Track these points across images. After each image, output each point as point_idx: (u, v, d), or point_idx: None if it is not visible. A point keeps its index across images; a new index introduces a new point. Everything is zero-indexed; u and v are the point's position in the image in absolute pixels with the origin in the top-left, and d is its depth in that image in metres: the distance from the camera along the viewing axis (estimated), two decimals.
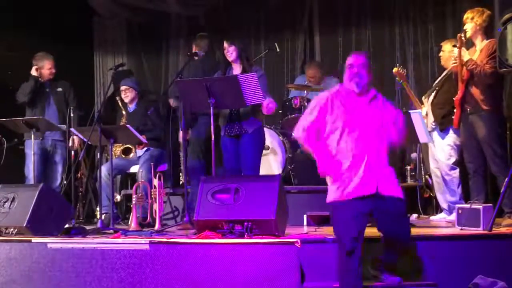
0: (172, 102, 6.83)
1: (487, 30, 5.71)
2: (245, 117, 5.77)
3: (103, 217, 5.91)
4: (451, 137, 6.15)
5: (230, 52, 5.89)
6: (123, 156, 6.85)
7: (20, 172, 7.17)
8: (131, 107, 7.08)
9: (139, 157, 6.88)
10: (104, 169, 6.44)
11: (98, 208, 6.36)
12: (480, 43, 5.71)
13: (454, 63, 5.75)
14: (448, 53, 6.21)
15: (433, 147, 6.36)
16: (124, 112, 7.09)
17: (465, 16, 5.78)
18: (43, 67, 7.14)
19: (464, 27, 5.72)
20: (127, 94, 7.02)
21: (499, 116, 5.69)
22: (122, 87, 7.07)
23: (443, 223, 6.06)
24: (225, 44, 5.92)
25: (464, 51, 5.66)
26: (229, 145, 5.88)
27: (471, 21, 5.70)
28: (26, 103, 7.07)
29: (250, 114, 5.78)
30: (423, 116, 6.41)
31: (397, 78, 6.76)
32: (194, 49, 6.98)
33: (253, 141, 5.79)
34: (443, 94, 6.18)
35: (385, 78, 8.37)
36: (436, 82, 6.45)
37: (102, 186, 6.16)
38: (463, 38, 5.64)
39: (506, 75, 5.90)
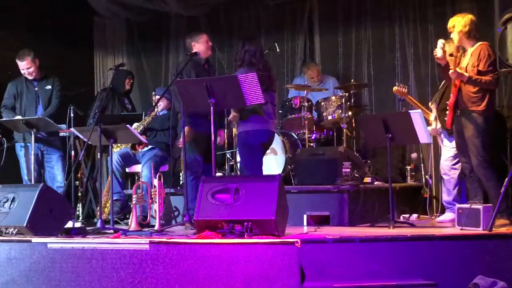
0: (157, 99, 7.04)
1: (473, 34, 5.68)
2: None
3: (115, 204, 6.18)
4: None
5: None
6: (132, 150, 6.91)
7: (20, 172, 7.18)
8: (163, 112, 7.23)
9: (143, 154, 6.93)
10: (116, 155, 6.62)
11: (98, 208, 6.38)
12: (470, 48, 5.70)
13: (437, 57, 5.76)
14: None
15: (443, 149, 6.40)
16: (156, 109, 7.13)
17: (448, 25, 5.77)
18: (20, 68, 7.11)
19: (451, 37, 5.72)
20: (160, 103, 7.05)
21: (488, 117, 5.66)
22: (157, 97, 7.13)
23: (448, 224, 6.03)
24: None
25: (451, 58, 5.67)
26: None
27: (453, 29, 5.70)
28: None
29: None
30: (431, 120, 6.45)
31: (398, 96, 6.79)
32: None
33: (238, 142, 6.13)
34: (446, 99, 6.18)
35: (385, 78, 8.40)
36: (440, 87, 6.48)
37: (113, 171, 6.36)
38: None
39: (506, 75, 5.91)
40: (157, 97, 7.20)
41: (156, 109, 7.07)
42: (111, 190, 6.35)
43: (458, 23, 5.67)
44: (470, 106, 5.63)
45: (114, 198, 6.26)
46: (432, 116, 6.51)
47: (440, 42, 5.71)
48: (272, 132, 6.09)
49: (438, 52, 5.69)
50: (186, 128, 6.06)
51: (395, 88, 6.76)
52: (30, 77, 7.11)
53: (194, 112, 6.02)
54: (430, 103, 6.71)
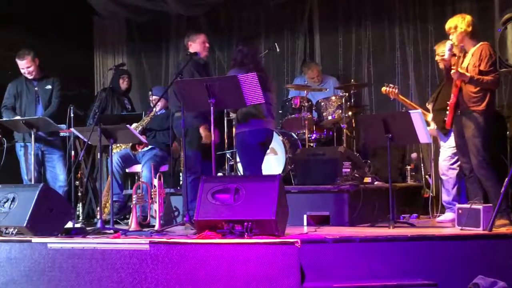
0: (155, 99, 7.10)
1: (474, 34, 5.68)
2: None
3: (114, 205, 6.21)
4: (453, 140, 6.16)
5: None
6: (132, 150, 6.91)
7: (20, 172, 7.18)
8: (160, 111, 7.20)
9: (143, 154, 6.93)
10: (116, 157, 6.65)
11: (98, 208, 6.38)
12: (471, 48, 5.69)
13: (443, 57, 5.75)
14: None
15: (440, 149, 6.41)
16: (154, 110, 7.14)
17: (448, 26, 5.72)
18: (19, 68, 7.10)
19: (450, 38, 5.70)
20: (158, 104, 7.06)
21: (488, 117, 5.65)
22: (154, 97, 7.13)
23: (448, 224, 6.03)
24: None
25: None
26: None
27: (456, 30, 5.68)
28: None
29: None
30: (429, 121, 6.45)
31: (390, 97, 6.76)
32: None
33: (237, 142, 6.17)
34: (442, 99, 6.18)
35: (385, 78, 8.40)
36: (436, 88, 6.48)
37: (113, 172, 6.37)
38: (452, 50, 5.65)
39: (506, 75, 5.91)
40: (154, 97, 7.22)
41: (154, 109, 7.08)
42: (111, 191, 6.35)
43: (461, 23, 5.65)
44: (470, 106, 5.63)
45: (113, 200, 6.27)
46: (430, 116, 6.50)
47: (449, 43, 5.67)
48: (270, 130, 6.15)
49: (446, 54, 5.66)
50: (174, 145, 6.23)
51: (383, 88, 6.63)
52: (30, 76, 7.10)
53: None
54: (427, 104, 6.70)
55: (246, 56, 6.01)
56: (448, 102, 5.79)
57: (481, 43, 5.67)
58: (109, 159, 6.52)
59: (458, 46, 5.72)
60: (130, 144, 6.90)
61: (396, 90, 6.63)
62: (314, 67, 8.36)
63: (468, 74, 5.56)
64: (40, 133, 6.85)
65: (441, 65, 6.41)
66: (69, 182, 7.13)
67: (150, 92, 7.55)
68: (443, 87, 6.22)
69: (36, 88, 7.15)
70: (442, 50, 6.21)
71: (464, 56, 5.73)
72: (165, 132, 7.01)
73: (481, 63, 5.59)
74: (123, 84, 8.04)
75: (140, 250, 4.67)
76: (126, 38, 9.85)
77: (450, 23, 5.73)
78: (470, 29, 5.65)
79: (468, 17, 5.70)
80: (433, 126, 6.47)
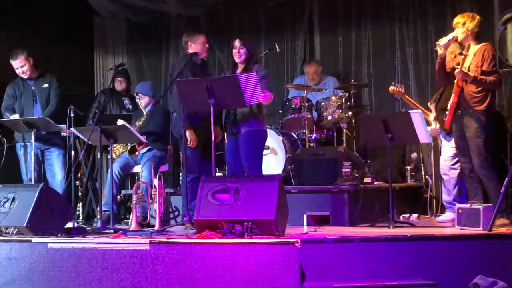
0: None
1: (478, 36, 5.68)
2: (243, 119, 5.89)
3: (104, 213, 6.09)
4: None
5: (241, 53, 5.91)
6: (130, 155, 6.88)
7: (20, 172, 7.17)
8: (147, 109, 7.12)
9: (142, 156, 6.91)
10: (116, 168, 6.60)
11: (98, 208, 6.37)
12: (473, 47, 5.69)
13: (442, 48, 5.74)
14: (448, 55, 6.19)
15: (442, 149, 6.41)
16: (144, 112, 7.10)
17: (456, 20, 5.72)
18: (14, 67, 7.08)
19: (455, 32, 5.69)
20: (141, 100, 7.04)
21: (489, 117, 5.66)
22: (140, 94, 7.12)
23: (448, 223, 6.03)
24: (237, 43, 5.91)
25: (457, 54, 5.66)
26: (229, 143, 6.04)
27: (463, 26, 5.67)
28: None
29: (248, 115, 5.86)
30: (430, 121, 6.45)
31: (395, 96, 6.79)
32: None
33: (249, 139, 5.88)
34: (446, 98, 6.18)
35: (385, 78, 8.40)
36: (438, 88, 6.47)
37: (108, 184, 6.32)
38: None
39: (506, 75, 5.91)
40: (140, 95, 7.13)
41: (145, 113, 7.05)
42: (109, 195, 6.36)
43: (470, 22, 5.65)
44: (472, 106, 5.63)
45: (103, 209, 6.23)
46: (432, 116, 6.52)
47: (452, 34, 5.64)
48: None
49: (444, 41, 5.63)
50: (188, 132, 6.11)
51: (391, 88, 6.76)
52: (24, 76, 7.09)
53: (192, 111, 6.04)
54: (429, 103, 6.71)
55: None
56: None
57: (483, 43, 5.66)
58: (109, 171, 6.52)
59: (457, 44, 5.71)
60: (128, 148, 6.86)
61: (403, 90, 6.68)
62: (313, 64, 8.34)
63: (471, 74, 5.56)
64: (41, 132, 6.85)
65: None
66: (69, 182, 7.12)
67: (137, 94, 7.29)
68: (446, 87, 6.21)
69: (33, 88, 7.14)
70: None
71: (465, 56, 5.72)
72: (162, 132, 6.96)
73: (483, 63, 5.58)
74: (119, 86, 8.05)
75: (140, 250, 4.67)
76: (126, 38, 9.84)
77: (459, 19, 5.71)
78: (477, 29, 5.65)
79: (477, 18, 5.70)
80: (434, 125, 6.47)
